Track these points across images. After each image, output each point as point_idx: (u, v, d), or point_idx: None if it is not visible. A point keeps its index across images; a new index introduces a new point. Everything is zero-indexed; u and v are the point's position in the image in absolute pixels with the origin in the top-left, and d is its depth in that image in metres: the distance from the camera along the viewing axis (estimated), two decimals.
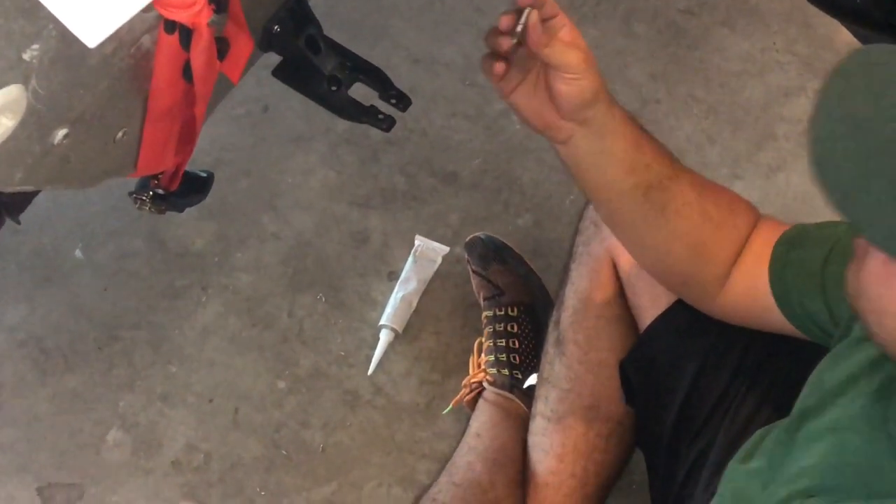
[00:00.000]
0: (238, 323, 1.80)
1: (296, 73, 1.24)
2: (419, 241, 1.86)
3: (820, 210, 2.07)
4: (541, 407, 1.48)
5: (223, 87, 1.07)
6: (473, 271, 1.77)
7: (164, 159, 1.11)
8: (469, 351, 1.74)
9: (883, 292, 0.87)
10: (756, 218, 1.22)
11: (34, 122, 0.80)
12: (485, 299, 1.75)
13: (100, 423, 1.71)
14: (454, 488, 1.51)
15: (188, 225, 1.86)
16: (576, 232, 1.48)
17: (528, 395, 1.60)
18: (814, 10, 1.69)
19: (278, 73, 1.24)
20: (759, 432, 1.12)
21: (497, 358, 1.67)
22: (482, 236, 1.78)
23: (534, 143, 1.95)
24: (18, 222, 1.38)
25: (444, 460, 1.65)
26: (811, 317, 1.13)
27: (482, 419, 1.60)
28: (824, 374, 1.07)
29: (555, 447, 1.45)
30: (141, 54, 0.90)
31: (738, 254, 1.19)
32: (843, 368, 1.04)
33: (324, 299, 1.82)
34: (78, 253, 1.84)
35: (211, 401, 1.74)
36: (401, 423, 1.73)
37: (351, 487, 1.68)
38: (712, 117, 2.04)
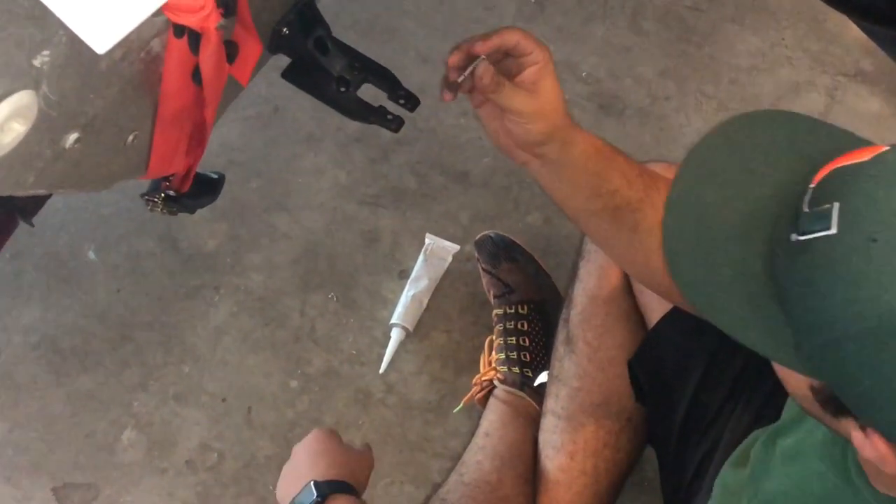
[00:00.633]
0: (250, 323, 1.81)
1: (305, 75, 1.24)
2: (429, 239, 1.87)
3: None
4: (551, 404, 1.48)
5: (233, 89, 1.08)
6: (483, 269, 1.78)
7: (175, 162, 1.12)
8: (480, 349, 1.74)
9: (775, 366, 0.87)
10: None
11: (46, 127, 0.81)
12: (495, 297, 1.75)
13: (114, 423, 1.73)
14: (463, 487, 1.52)
15: (200, 226, 1.87)
16: None
17: (539, 392, 1.60)
18: (822, 5, 1.69)
19: (287, 74, 1.25)
20: (754, 434, 1.12)
21: (507, 356, 1.68)
22: (492, 234, 1.79)
23: None
24: (32, 225, 1.40)
25: (457, 458, 1.65)
26: None
27: (492, 418, 1.61)
28: None
29: (566, 444, 1.46)
30: (150, 58, 0.91)
31: None
32: None
33: (335, 298, 1.83)
34: (91, 254, 1.86)
35: (224, 400, 1.75)
36: (413, 421, 1.74)
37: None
38: (722, 113, 2.03)
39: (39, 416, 1.73)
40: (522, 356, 1.68)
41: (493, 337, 1.73)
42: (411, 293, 1.81)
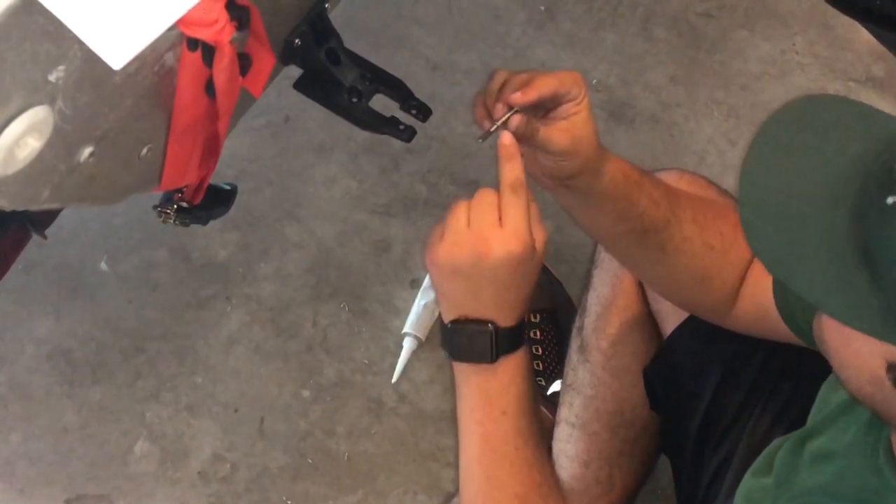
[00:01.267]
0: (262, 333, 1.81)
1: (317, 86, 1.24)
2: None
3: None
4: (565, 413, 1.48)
5: (245, 101, 1.08)
6: None
7: (188, 174, 1.12)
8: None
9: (839, 342, 0.86)
10: None
11: (60, 142, 0.81)
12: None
13: (127, 434, 1.73)
14: None
15: (212, 236, 1.87)
16: None
17: (552, 401, 1.60)
18: (833, 11, 1.69)
19: (299, 85, 1.25)
20: (775, 443, 1.12)
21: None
22: None
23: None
24: (45, 237, 1.40)
25: None
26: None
27: None
28: (829, 393, 1.07)
29: (580, 453, 1.45)
30: (164, 71, 0.91)
31: (745, 272, 1.19)
32: (843, 390, 1.03)
33: (347, 308, 1.83)
34: (103, 265, 1.86)
35: (236, 410, 1.75)
36: (425, 430, 1.73)
37: (376, 496, 1.68)
38: (733, 120, 2.03)
39: (52, 428, 1.73)
40: (535, 365, 1.68)
41: None
42: (423, 302, 1.81)
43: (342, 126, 1.68)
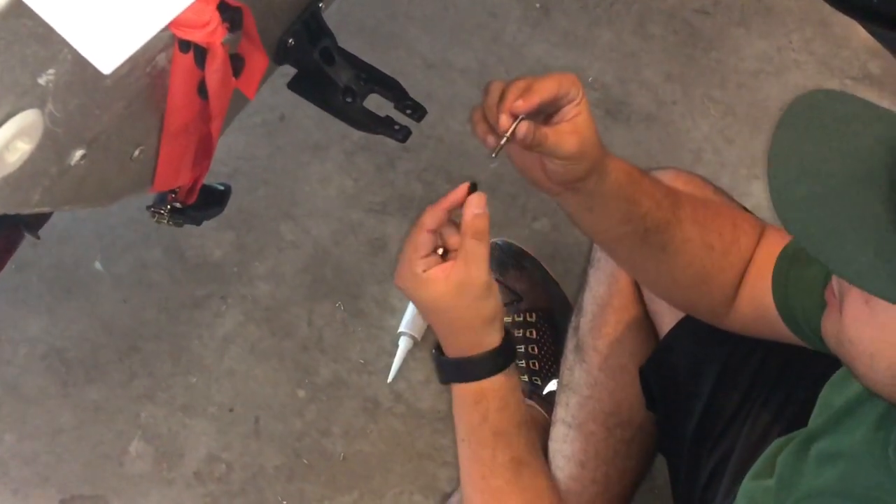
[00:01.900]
0: (257, 332, 1.80)
1: (311, 86, 1.24)
2: None
3: None
4: (561, 413, 1.47)
5: (239, 101, 1.08)
6: None
7: (182, 175, 1.11)
8: None
9: (869, 333, 0.86)
10: (760, 231, 1.21)
11: (51, 145, 0.80)
12: (503, 305, 1.74)
13: (121, 434, 1.72)
14: None
15: (206, 235, 1.86)
16: None
17: (548, 401, 1.59)
18: (830, 8, 1.68)
19: (293, 85, 1.24)
20: (774, 444, 1.12)
21: (516, 364, 1.67)
22: (499, 242, 1.78)
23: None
24: (38, 237, 1.39)
25: None
26: (817, 333, 1.12)
27: None
28: (833, 394, 1.07)
29: (576, 453, 1.45)
30: (156, 73, 0.90)
31: (744, 272, 1.19)
32: (849, 390, 1.03)
33: (342, 307, 1.83)
34: (97, 265, 1.85)
35: (231, 410, 1.74)
36: (421, 430, 1.73)
37: (372, 496, 1.68)
38: (730, 118, 2.03)
39: (46, 428, 1.72)
40: (531, 364, 1.68)
41: None
42: None
43: (337, 124, 1.67)
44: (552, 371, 1.68)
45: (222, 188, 1.31)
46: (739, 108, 2.03)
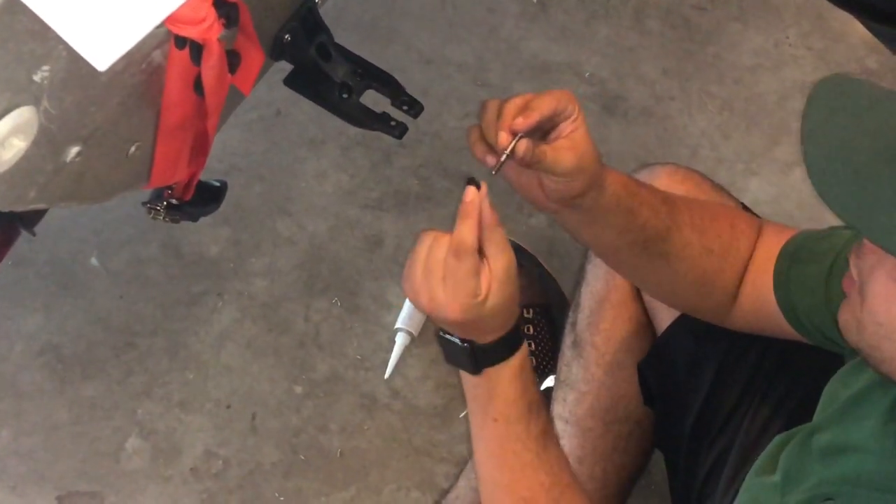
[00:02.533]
0: (254, 328, 1.80)
1: (307, 82, 1.23)
2: None
3: None
4: (559, 409, 1.47)
5: (235, 97, 1.07)
6: None
7: (178, 171, 1.11)
8: None
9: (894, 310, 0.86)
10: (758, 229, 1.21)
11: (46, 142, 0.80)
12: None
13: (118, 430, 1.72)
14: (472, 493, 1.51)
15: (203, 231, 1.86)
16: None
17: (546, 397, 1.59)
18: (827, 3, 1.68)
19: (290, 81, 1.23)
20: (777, 439, 1.12)
21: None
22: None
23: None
24: (33, 234, 1.38)
25: (463, 463, 1.65)
26: (820, 330, 1.13)
27: None
28: (838, 388, 1.07)
29: (574, 450, 1.44)
30: (152, 69, 0.90)
31: (744, 272, 1.19)
32: (855, 383, 1.03)
33: (339, 303, 1.82)
34: (94, 261, 1.85)
35: (228, 407, 1.74)
36: (418, 426, 1.73)
37: (369, 492, 1.68)
38: (727, 113, 2.02)
39: (43, 424, 1.72)
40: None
41: None
42: None
43: (334, 120, 1.67)
44: (550, 367, 1.67)
45: (218, 184, 1.30)
46: (736, 103, 2.03)
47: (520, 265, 1.73)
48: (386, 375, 1.76)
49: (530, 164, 1.02)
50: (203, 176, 1.24)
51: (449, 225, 1.90)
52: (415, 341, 1.79)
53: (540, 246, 1.83)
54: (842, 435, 1.01)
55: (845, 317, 0.94)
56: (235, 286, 1.83)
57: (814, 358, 1.21)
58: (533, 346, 1.69)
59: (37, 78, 0.73)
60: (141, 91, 0.90)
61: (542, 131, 1.05)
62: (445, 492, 1.63)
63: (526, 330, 1.70)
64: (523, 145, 1.01)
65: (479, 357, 1.05)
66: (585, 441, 1.44)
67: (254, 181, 1.92)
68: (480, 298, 1.00)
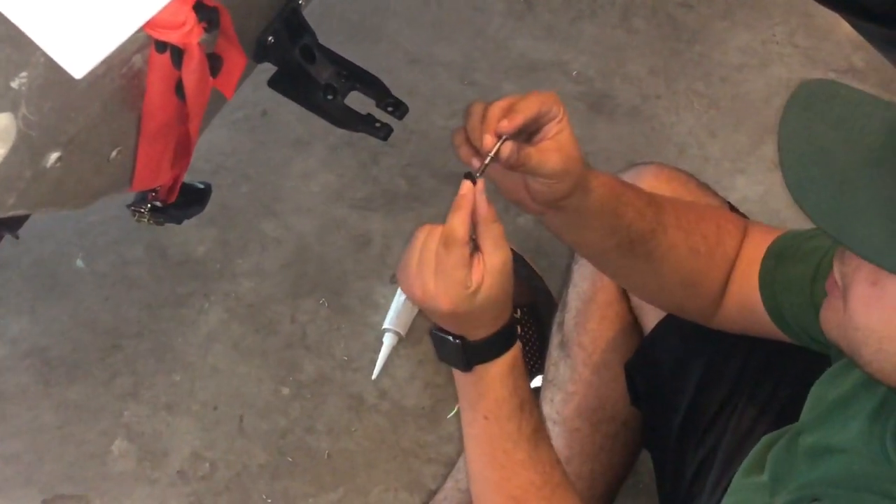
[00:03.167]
0: (241, 330, 1.79)
1: (291, 83, 1.23)
2: None
3: None
4: (546, 409, 1.47)
5: (217, 100, 1.07)
6: None
7: (160, 174, 1.10)
8: None
9: (878, 315, 0.86)
10: (743, 229, 1.21)
11: (25, 148, 0.79)
12: None
13: (104, 433, 1.71)
14: (460, 494, 1.51)
15: (189, 232, 1.85)
16: None
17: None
18: (813, 2, 1.68)
19: (274, 83, 1.23)
20: (764, 439, 1.12)
21: None
22: None
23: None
24: (17, 237, 1.38)
25: (451, 464, 1.64)
26: (806, 330, 1.13)
27: None
28: (825, 389, 1.07)
29: (561, 450, 1.44)
30: (133, 73, 0.89)
31: (730, 272, 1.19)
32: (841, 384, 1.03)
33: (326, 304, 1.82)
34: (79, 262, 1.84)
35: (215, 409, 1.74)
36: (406, 427, 1.73)
37: (357, 493, 1.68)
38: (713, 111, 2.02)
39: (29, 427, 1.71)
40: None
41: None
42: (403, 297, 1.79)
43: (320, 120, 1.67)
44: (537, 367, 1.67)
45: (202, 187, 1.30)
46: (723, 101, 2.03)
47: None
48: (373, 376, 1.76)
49: (515, 166, 1.02)
50: (189, 176, 1.24)
51: (436, 223, 1.90)
52: (402, 342, 1.78)
53: (527, 246, 1.82)
54: (828, 436, 1.01)
55: (826, 316, 0.94)
56: (222, 287, 1.83)
57: (800, 359, 1.21)
58: (520, 345, 1.69)
59: (14, 84, 0.73)
60: (122, 95, 0.90)
61: (527, 133, 1.05)
62: (433, 493, 1.62)
63: None
64: (508, 148, 1.01)
65: (469, 353, 1.05)
66: (573, 441, 1.44)
67: (240, 181, 1.92)
68: (471, 290, 1.00)
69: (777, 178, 1.95)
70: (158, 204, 1.25)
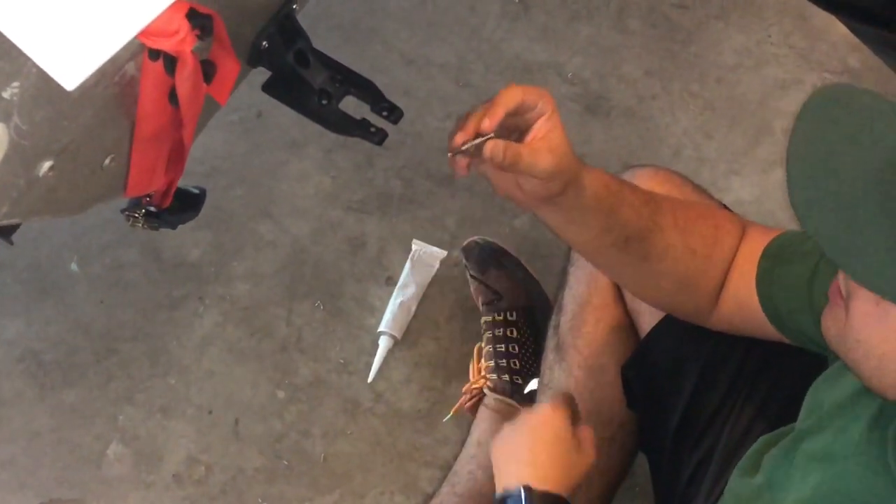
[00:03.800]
0: (236, 333, 1.79)
1: (286, 88, 1.23)
2: (416, 245, 1.85)
3: None
4: None
5: (211, 106, 1.06)
6: (471, 276, 1.76)
7: (154, 180, 1.10)
8: (469, 355, 1.73)
9: (879, 334, 0.85)
10: (741, 229, 1.20)
11: (18, 158, 0.79)
12: (483, 304, 1.74)
13: (100, 437, 1.71)
14: (456, 498, 1.50)
15: (184, 235, 1.84)
16: None
17: (530, 400, 1.59)
18: (808, 2, 1.68)
19: (268, 88, 1.23)
20: (761, 440, 1.11)
21: (497, 363, 1.66)
22: (479, 241, 1.77)
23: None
24: (11, 242, 1.37)
25: (447, 467, 1.64)
26: (803, 332, 1.13)
27: (483, 427, 1.59)
28: (822, 394, 1.06)
29: None
30: (126, 81, 0.89)
31: (727, 273, 1.18)
32: (839, 390, 1.03)
33: (322, 307, 1.81)
34: (73, 266, 1.83)
35: (210, 412, 1.73)
36: (402, 430, 1.72)
37: (353, 496, 1.67)
38: (708, 112, 2.02)
39: (23, 431, 1.71)
40: (512, 363, 1.67)
41: (482, 344, 1.71)
42: (399, 300, 1.79)
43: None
44: (533, 370, 1.67)
45: (197, 192, 1.30)
46: (718, 102, 2.03)
47: (503, 267, 1.76)
48: (369, 379, 1.75)
49: (505, 166, 1.01)
50: (183, 179, 1.23)
51: (430, 225, 1.90)
52: (398, 345, 1.78)
53: (523, 247, 1.82)
54: (825, 442, 1.01)
55: (827, 323, 0.93)
56: (217, 290, 1.82)
57: (796, 360, 1.20)
58: (516, 348, 1.69)
59: (6, 95, 0.72)
60: (115, 103, 0.89)
61: (518, 132, 1.04)
62: (429, 496, 1.62)
63: (509, 333, 1.70)
64: (492, 144, 0.99)
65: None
66: None
67: (235, 184, 1.91)
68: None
69: (772, 179, 1.95)
70: (153, 209, 1.25)
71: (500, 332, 1.69)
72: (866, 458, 0.95)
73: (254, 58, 1.17)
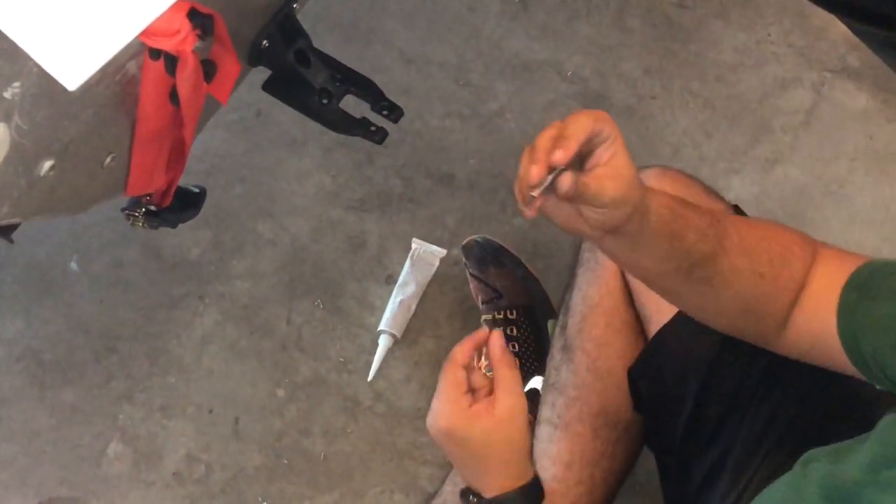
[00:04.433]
0: (236, 331, 1.79)
1: (286, 87, 1.23)
2: (416, 244, 1.85)
3: (818, 202, 2.06)
4: (547, 413, 1.46)
5: (212, 105, 1.06)
6: (471, 275, 1.76)
7: (154, 180, 1.10)
8: None
9: None
10: (813, 252, 1.12)
11: (18, 157, 0.79)
12: (483, 303, 1.74)
13: (99, 436, 1.71)
14: (457, 498, 1.50)
15: (183, 234, 1.84)
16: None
17: (529, 398, 1.58)
18: (808, 1, 1.68)
19: (268, 87, 1.23)
20: (808, 455, 1.04)
21: None
22: (479, 239, 1.77)
23: (529, 142, 1.94)
24: (11, 241, 1.37)
25: (447, 466, 1.64)
26: (884, 370, 1.03)
27: None
28: None
29: (562, 454, 1.43)
30: (126, 80, 0.89)
31: (798, 296, 1.11)
32: None
33: (322, 305, 1.81)
34: (73, 265, 1.83)
35: (210, 411, 1.73)
36: (402, 428, 1.72)
37: (353, 495, 1.67)
38: (708, 111, 2.02)
39: (23, 430, 1.71)
40: None
41: None
42: (399, 299, 1.79)
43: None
44: (533, 368, 1.67)
45: (197, 191, 1.29)
46: (718, 101, 2.03)
47: (503, 265, 1.75)
48: (369, 378, 1.75)
49: (573, 198, 0.95)
50: (183, 178, 1.23)
51: (430, 224, 1.90)
52: (398, 343, 1.78)
53: (522, 246, 1.82)
54: None
55: None
56: (217, 289, 1.82)
57: (805, 364, 1.18)
58: (516, 347, 1.69)
59: (7, 95, 0.72)
60: (115, 102, 0.89)
61: (580, 159, 0.96)
62: (430, 495, 1.62)
63: (509, 331, 1.70)
64: (568, 179, 0.92)
65: None
66: (574, 446, 1.43)
67: (235, 182, 1.91)
68: (468, 412, 1.06)
69: (772, 177, 1.96)
70: (153, 208, 1.25)
71: (499, 330, 1.69)
72: None
73: (254, 57, 1.16)
